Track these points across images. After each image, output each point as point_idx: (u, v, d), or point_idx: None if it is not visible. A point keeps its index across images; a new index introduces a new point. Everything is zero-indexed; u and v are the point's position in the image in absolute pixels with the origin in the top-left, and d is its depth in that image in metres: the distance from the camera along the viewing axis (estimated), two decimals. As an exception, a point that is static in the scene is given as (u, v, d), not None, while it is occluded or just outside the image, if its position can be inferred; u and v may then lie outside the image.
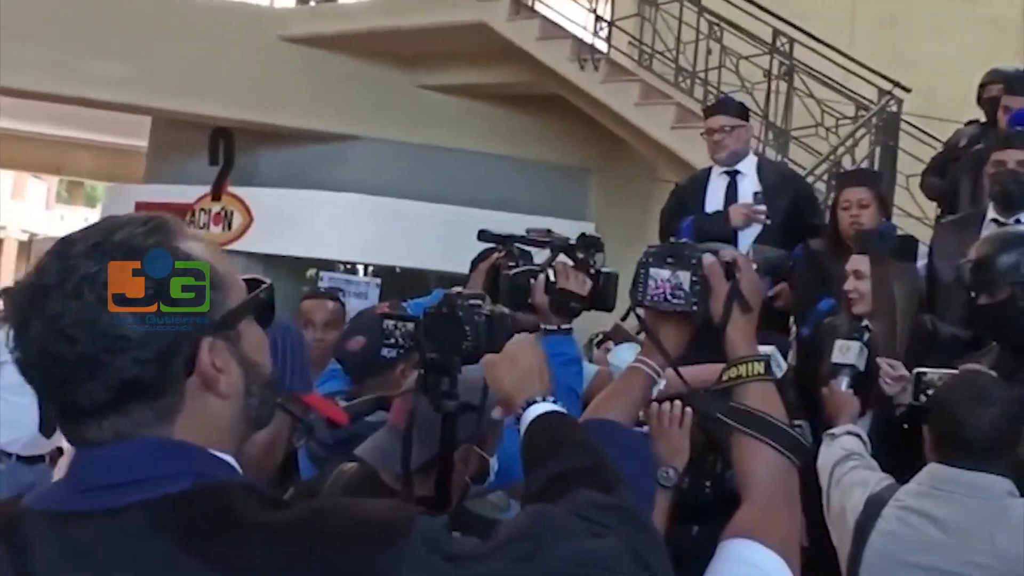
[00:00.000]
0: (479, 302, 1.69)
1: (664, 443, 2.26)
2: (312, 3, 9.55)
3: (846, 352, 2.93)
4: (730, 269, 1.60)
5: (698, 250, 1.63)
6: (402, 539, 0.92)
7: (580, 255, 2.32)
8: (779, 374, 3.05)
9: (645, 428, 2.31)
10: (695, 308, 1.60)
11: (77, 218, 23.80)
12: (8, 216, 23.91)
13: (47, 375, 0.97)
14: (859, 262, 3.18)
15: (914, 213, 6.14)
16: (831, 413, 2.82)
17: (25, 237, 25.12)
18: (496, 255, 2.41)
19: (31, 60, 8.34)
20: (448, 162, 9.20)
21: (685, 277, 1.60)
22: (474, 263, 2.67)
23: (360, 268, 10.00)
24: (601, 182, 9.53)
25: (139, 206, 10.13)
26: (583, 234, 2.34)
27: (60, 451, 3.99)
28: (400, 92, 9.13)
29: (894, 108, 6.57)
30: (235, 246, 9.45)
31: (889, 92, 6.55)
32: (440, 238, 7.98)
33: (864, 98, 6.82)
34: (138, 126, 10.92)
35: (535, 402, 1.38)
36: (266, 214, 9.34)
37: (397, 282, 9.10)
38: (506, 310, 1.83)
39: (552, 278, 2.27)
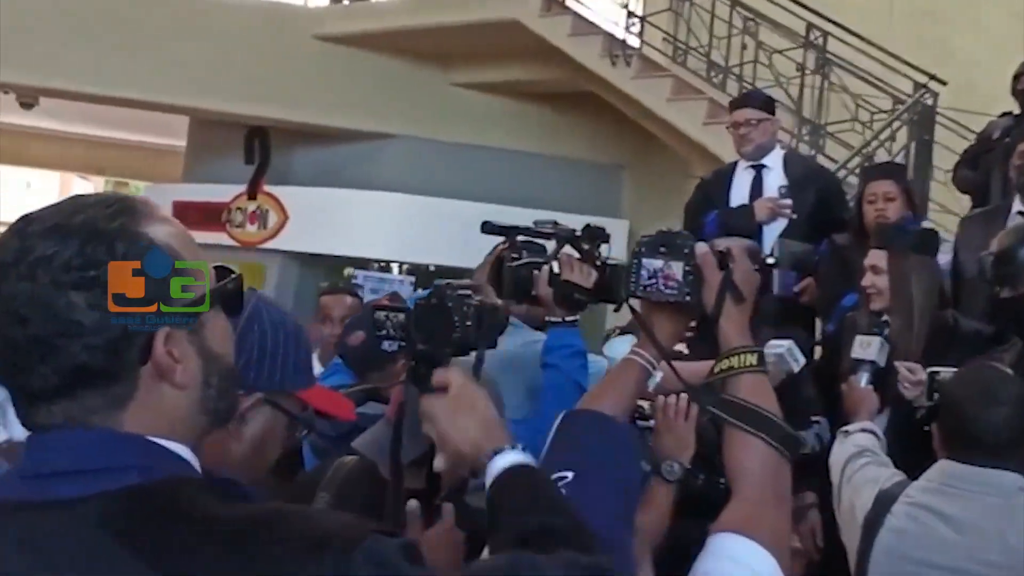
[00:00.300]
0: (469, 292, 1.66)
1: (670, 436, 2.22)
2: (346, 2, 9.58)
3: (866, 348, 2.88)
4: (723, 259, 1.57)
5: (691, 240, 1.60)
6: (344, 553, 0.89)
7: (585, 246, 2.28)
8: (796, 369, 3.00)
9: (651, 422, 2.28)
10: (688, 298, 1.57)
11: (122, 218, 24.07)
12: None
13: (1, 357, 0.96)
14: (877, 257, 3.11)
15: (951, 207, 6.02)
16: (849, 409, 2.77)
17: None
18: (500, 247, 2.39)
19: (72, 62, 8.48)
20: (481, 160, 9.20)
21: (678, 267, 1.58)
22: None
23: (394, 266, 10.02)
24: (634, 179, 9.47)
25: (176, 205, 10.24)
26: (588, 225, 2.30)
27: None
28: (433, 90, 9.14)
29: (930, 101, 6.45)
30: (270, 244, 9.53)
31: (924, 85, 6.43)
32: (473, 236, 7.78)
33: (900, 91, 6.71)
34: (176, 126, 11.04)
35: (502, 451, 1.28)
36: (301, 213, 9.38)
37: (431, 280, 9.11)
38: (498, 301, 1.81)
39: (556, 270, 2.25)
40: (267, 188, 9.57)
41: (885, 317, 3.02)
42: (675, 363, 1.83)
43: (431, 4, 8.46)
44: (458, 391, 1.39)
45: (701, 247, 1.56)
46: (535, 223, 2.40)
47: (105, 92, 8.88)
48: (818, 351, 3.61)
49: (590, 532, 1.14)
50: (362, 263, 9.66)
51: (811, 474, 3.05)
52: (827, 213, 4.06)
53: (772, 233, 3.98)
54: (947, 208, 6.00)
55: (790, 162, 4.23)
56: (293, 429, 1.56)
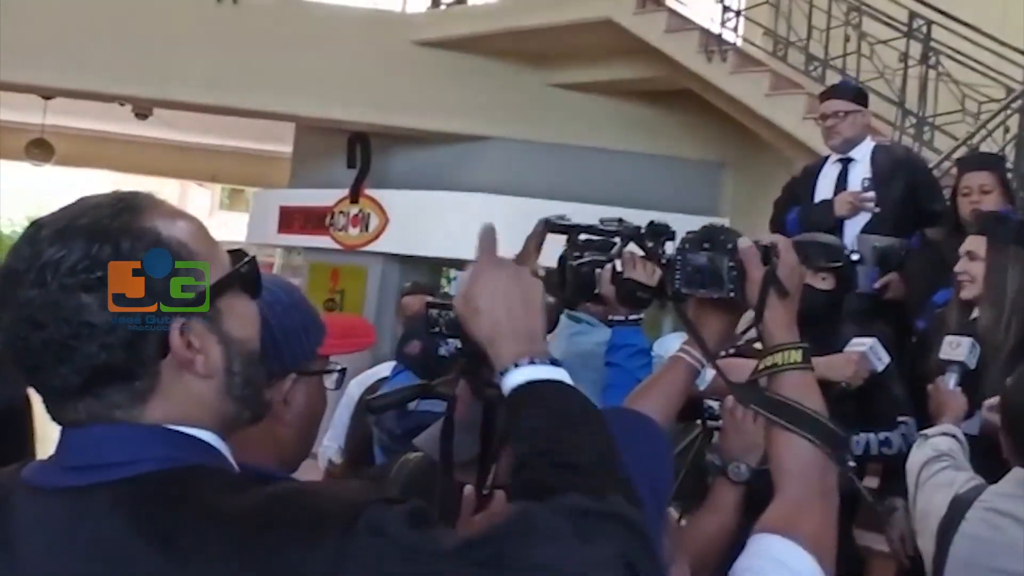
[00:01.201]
0: None
1: (737, 437, 2.17)
2: (443, 6, 9.67)
3: (955, 348, 2.76)
4: (767, 253, 1.53)
5: (734, 234, 1.57)
6: (345, 530, 0.89)
7: (649, 244, 2.25)
8: (880, 368, 2.92)
9: (720, 422, 2.24)
10: (732, 295, 1.54)
11: (239, 223, 24.90)
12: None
13: (21, 360, 0.99)
14: (975, 243, 2.98)
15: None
16: (935, 411, 2.66)
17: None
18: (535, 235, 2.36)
19: (184, 74, 8.79)
20: (578, 160, 9.17)
21: (722, 263, 1.55)
22: None
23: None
24: (735, 177, 9.30)
25: (283, 211, 10.51)
26: (651, 222, 2.27)
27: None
28: (529, 91, 9.15)
29: (1041, 90, 6.16)
30: (372, 247, 9.69)
31: (1035, 73, 6.15)
32: (571, 236, 7.90)
33: (1013, 79, 6.42)
34: (284, 133, 11.33)
35: (537, 362, 1.15)
36: (401, 215, 9.52)
37: (530, 280, 9.11)
38: (548, 297, 1.80)
39: (619, 268, 2.22)
40: (368, 192, 9.73)
41: (974, 316, 2.90)
42: (730, 360, 1.79)
43: (526, 6, 8.47)
44: (525, 284, 1.26)
45: (744, 242, 1.53)
46: (601, 220, 2.38)
47: (215, 102, 9.16)
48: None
49: (613, 467, 1.05)
50: (461, 264, 9.71)
51: (901, 477, 2.95)
52: (916, 205, 3.91)
53: (854, 228, 3.85)
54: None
55: (878, 154, 4.08)
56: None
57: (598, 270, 2.24)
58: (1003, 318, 2.82)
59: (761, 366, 1.48)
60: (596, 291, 2.25)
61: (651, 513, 1.23)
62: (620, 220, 2.35)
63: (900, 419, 2.97)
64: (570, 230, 2.33)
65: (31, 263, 0.96)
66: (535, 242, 2.36)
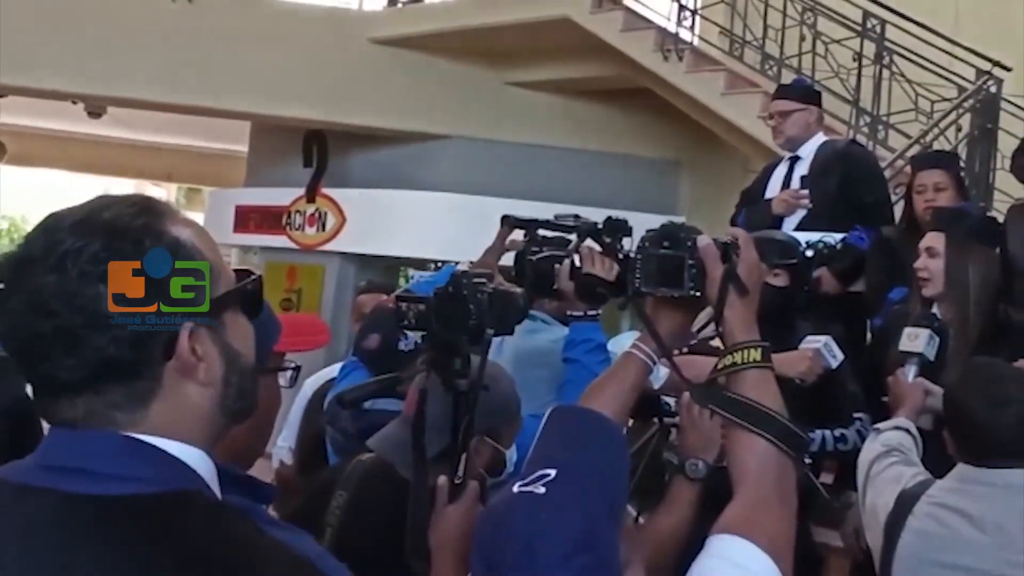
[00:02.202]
0: (483, 280, 1.69)
1: (694, 434, 2.17)
2: (399, 5, 9.63)
3: (914, 340, 2.76)
4: (727, 250, 1.52)
5: (694, 232, 1.56)
6: None
7: (607, 239, 2.25)
8: (834, 364, 2.93)
9: (677, 419, 2.24)
10: (692, 293, 1.53)
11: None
12: (129, 223, 24.82)
13: (27, 349, 0.97)
14: (933, 239, 2.97)
15: (1018, 196, 5.83)
16: (893, 403, 2.67)
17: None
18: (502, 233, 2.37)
19: (136, 72, 8.66)
20: (536, 159, 9.17)
21: (682, 261, 1.53)
22: None
23: (452, 266, 10.04)
24: (692, 175, 9.37)
25: (238, 209, 10.41)
26: (609, 218, 2.26)
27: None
28: (487, 90, 9.14)
29: (993, 88, 6.25)
30: (329, 246, 9.63)
31: (988, 72, 6.24)
32: (529, 235, 7.93)
33: (965, 79, 6.52)
34: (239, 132, 11.23)
35: None
36: (358, 214, 9.46)
37: (488, 279, 9.11)
38: (516, 288, 1.80)
39: (577, 263, 2.21)
40: (325, 191, 9.67)
41: (934, 310, 2.91)
42: (688, 358, 1.78)
43: (483, 4, 8.46)
44: None
45: (703, 239, 1.52)
46: (556, 216, 2.37)
47: (169, 100, 9.04)
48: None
49: None
50: (419, 263, 9.70)
51: (854, 469, 2.97)
52: (850, 198, 3.91)
53: (790, 226, 3.88)
54: (1013, 197, 5.81)
55: (822, 151, 4.09)
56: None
57: (556, 265, 2.23)
58: (965, 314, 2.83)
59: (720, 365, 1.47)
60: (554, 286, 2.24)
61: (609, 511, 1.22)
62: (577, 216, 2.35)
63: (855, 415, 2.98)
64: (528, 225, 2.32)
65: (49, 250, 0.95)
66: (501, 239, 2.36)
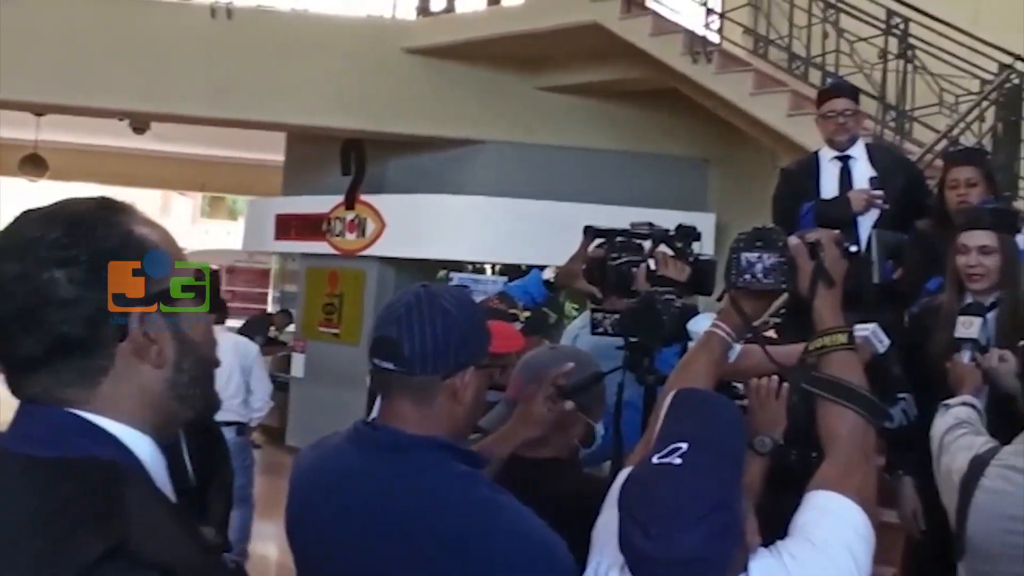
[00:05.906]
0: (672, 297, 2.25)
1: (762, 414, 2.42)
2: (432, 14, 9.86)
3: (968, 327, 3.03)
4: (814, 249, 1.79)
5: (783, 234, 1.83)
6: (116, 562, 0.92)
7: (678, 244, 2.52)
8: (881, 350, 3.16)
9: (745, 401, 2.49)
10: (784, 286, 1.80)
11: (220, 231, 25.05)
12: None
13: None
14: (986, 238, 3.16)
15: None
16: (953, 384, 2.92)
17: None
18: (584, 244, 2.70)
19: (182, 86, 9.00)
20: (568, 161, 9.41)
21: (774, 258, 1.80)
22: None
23: (487, 267, 10.29)
24: (721, 173, 9.58)
25: (278, 218, 10.69)
26: (680, 225, 2.53)
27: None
28: (519, 95, 9.37)
29: (1016, 81, 6.44)
30: (369, 251, 9.88)
31: (1010, 66, 6.42)
32: (563, 235, 8.08)
33: (988, 72, 6.69)
34: (273, 142, 11.50)
35: None
36: (396, 220, 9.72)
37: (524, 279, 9.32)
38: (693, 303, 2.33)
39: (653, 267, 2.48)
40: (364, 197, 9.92)
41: (991, 299, 3.13)
42: (748, 347, 2.07)
43: (513, 12, 8.71)
44: None
45: (793, 240, 1.79)
46: (632, 225, 2.63)
47: (212, 114, 9.36)
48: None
49: None
50: (456, 265, 9.96)
51: (903, 447, 3.23)
52: (912, 200, 4.18)
53: (866, 223, 4.10)
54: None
55: (875, 152, 4.32)
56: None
57: (634, 269, 2.49)
58: (1019, 305, 3.08)
59: (811, 347, 1.74)
60: (632, 287, 2.50)
61: (734, 478, 1.47)
62: (650, 224, 2.62)
63: (899, 396, 3.23)
64: (607, 234, 2.59)
65: (13, 242, 1.04)
66: (583, 247, 2.63)
